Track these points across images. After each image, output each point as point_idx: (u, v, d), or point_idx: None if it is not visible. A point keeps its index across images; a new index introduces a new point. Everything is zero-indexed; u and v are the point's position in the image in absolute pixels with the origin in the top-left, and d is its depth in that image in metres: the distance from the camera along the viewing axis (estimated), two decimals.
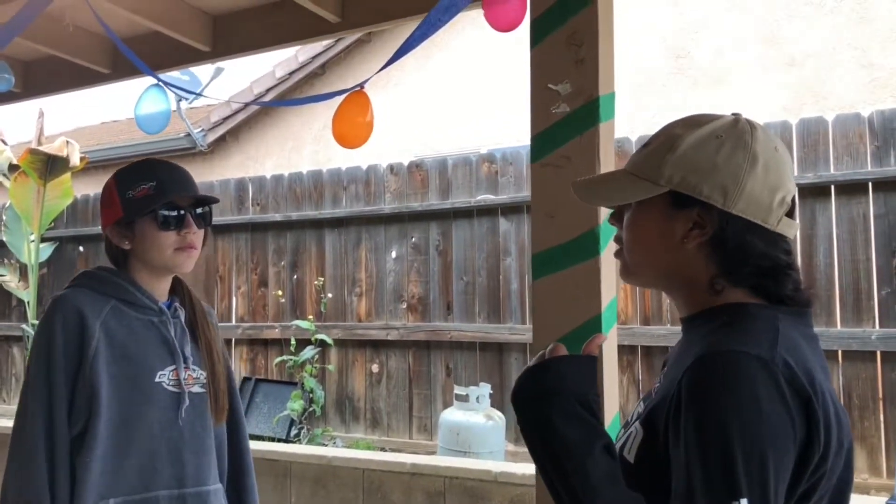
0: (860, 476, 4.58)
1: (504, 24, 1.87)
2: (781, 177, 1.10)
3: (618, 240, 1.22)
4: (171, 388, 1.76)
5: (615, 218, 1.22)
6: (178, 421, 1.76)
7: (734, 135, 1.10)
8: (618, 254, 1.22)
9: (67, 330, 1.69)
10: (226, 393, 1.87)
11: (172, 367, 1.77)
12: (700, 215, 1.10)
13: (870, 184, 4.68)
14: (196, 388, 1.81)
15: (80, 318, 1.69)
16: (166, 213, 1.76)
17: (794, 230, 1.13)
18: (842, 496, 1.08)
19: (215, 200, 1.89)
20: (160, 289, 1.84)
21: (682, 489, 0.98)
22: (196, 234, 1.80)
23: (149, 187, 1.76)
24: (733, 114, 1.16)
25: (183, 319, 1.85)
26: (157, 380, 1.75)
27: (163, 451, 1.74)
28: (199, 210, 1.82)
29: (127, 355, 1.73)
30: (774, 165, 1.10)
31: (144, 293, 1.80)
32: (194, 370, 1.82)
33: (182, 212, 1.78)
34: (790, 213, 1.13)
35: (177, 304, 1.86)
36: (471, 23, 7.47)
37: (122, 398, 1.70)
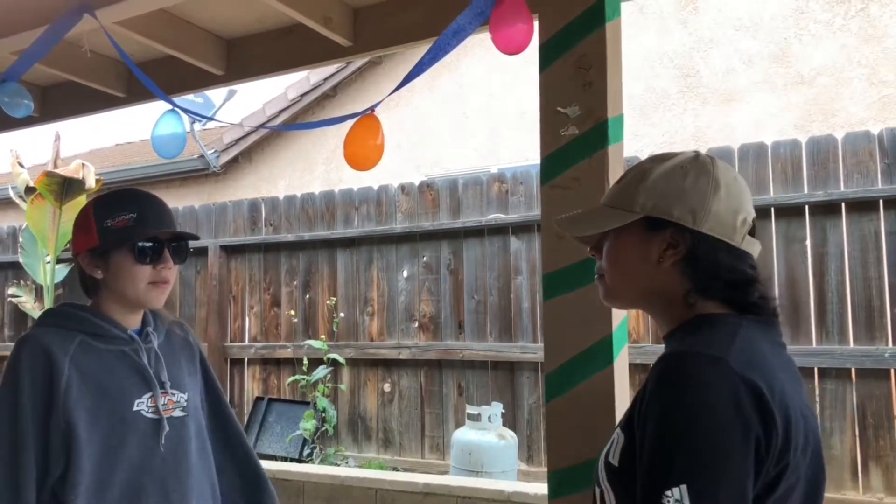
0: (876, 495, 4.55)
1: (511, 48, 1.90)
2: (741, 200, 1.23)
3: (598, 269, 1.33)
4: (149, 416, 1.72)
5: (595, 249, 1.33)
6: (159, 448, 1.72)
7: (697, 165, 1.23)
8: (599, 280, 1.33)
9: (34, 371, 1.63)
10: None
11: (150, 395, 1.74)
12: (673, 236, 1.21)
13: (880, 201, 4.68)
14: (177, 413, 1.78)
15: (47, 357, 1.64)
16: (144, 246, 1.72)
17: (757, 248, 1.24)
18: (815, 496, 1.15)
19: (194, 237, 1.85)
20: (130, 318, 1.80)
21: (639, 478, 1.08)
22: (171, 270, 1.77)
23: (129, 218, 1.72)
24: (694, 151, 1.30)
25: (156, 344, 1.81)
26: (135, 408, 1.71)
27: (146, 481, 1.70)
28: (175, 245, 1.78)
29: (101, 388, 1.68)
30: (735, 190, 1.22)
31: (112, 323, 1.76)
32: (174, 394, 1.78)
33: (160, 246, 1.74)
34: (753, 234, 1.24)
35: (149, 330, 1.82)
36: (479, 44, 7.54)
37: (102, 431, 1.66)
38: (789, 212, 4.90)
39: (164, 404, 1.75)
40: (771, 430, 1.05)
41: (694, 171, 1.22)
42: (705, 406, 1.04)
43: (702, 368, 1.08)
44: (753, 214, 1.25)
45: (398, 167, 8.22)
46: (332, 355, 6.33)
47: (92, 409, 1.66)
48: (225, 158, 9.68)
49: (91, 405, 1.66)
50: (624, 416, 1.23)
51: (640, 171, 1.26)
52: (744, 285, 1.21)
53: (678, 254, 1.21)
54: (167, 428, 1.74)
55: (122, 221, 1.71)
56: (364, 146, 2.02)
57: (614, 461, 1.18)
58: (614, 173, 1.81)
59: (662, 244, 1.22)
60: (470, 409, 5.35)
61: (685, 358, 1.11)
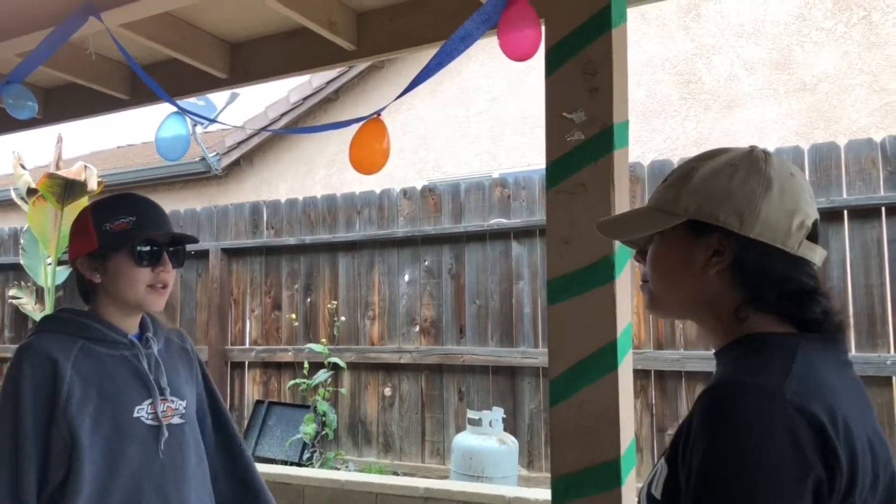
0: None
1: (519, 54, 1.89)
2: (798, 201, 1.10)
3: (644, 276, 1.24)
4: (149, 423, 1.72)
5: (641, 255, 1.24)
6: (158, 455, 1.72)
7: (748, 162, 1.11)
8: (643, 287, 1.23)
9: (36, 378, 1.62)
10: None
11: (150, 401, 1.73)
12: (719, 241, 1.10)
13: (883, 209, 4.68)
14: (176, 420, 1.78)
15: (49, 362, 1.64)
16: (143, 248, 1.73)
17: (818, 255, 1.12)
18: None
19: (193, 239, 1.87)
20: (129, 322, 1.81)
21: None
22: (170, 273, 1.78)
23: (127, 222, 1.73)
24: (750, 146, 1.17)
25: (156, 350, 1.81)
26: (135, 415, 1.71)
27: (146, 488, 1.69)
28: (174, 249, 1.80)
29: (103, 393, 1.67)
30: (790, 190, 1.10)
31: (112, 328, 1.76)
32: (173, 401, 1.78)
33: (158, 249, 1.75)
34: (814, 239, 1.11)
35: (149, 335, 1.82)
36: (481, 49, 7.55)
37: (103, 437, 1.65)
38: None
39: (163, 411, 1.75)
40: (834, 471, 0.95)
41: (743, 168, 1.11)
42: (755, 446, 0.94)
43: (752, 402, 0.97)
44: (815, 216, 1.11)
45: (400, 171, 8.22)
46: (333, 359, 6.32)
47: (94, 416, 1.65)
48: (226, 161, 9.69)
49: (93, 411, 1.65)
50: (668, 446, 1.13)
51: (686, 171, 1.16)
52: (801, 297, 1.09)
53: (724, 261, 1.10)
54: (166, 434, 1.74)
55: (121, 225, 1.73)
56: (370, 150, 2.02)
57: (657, 493, 1.09)
58: (620, 178, 1.81)
59: (708, 251, 1.11)
60: (471, 414, 5.35)
61: (733, 390, 1.00)
